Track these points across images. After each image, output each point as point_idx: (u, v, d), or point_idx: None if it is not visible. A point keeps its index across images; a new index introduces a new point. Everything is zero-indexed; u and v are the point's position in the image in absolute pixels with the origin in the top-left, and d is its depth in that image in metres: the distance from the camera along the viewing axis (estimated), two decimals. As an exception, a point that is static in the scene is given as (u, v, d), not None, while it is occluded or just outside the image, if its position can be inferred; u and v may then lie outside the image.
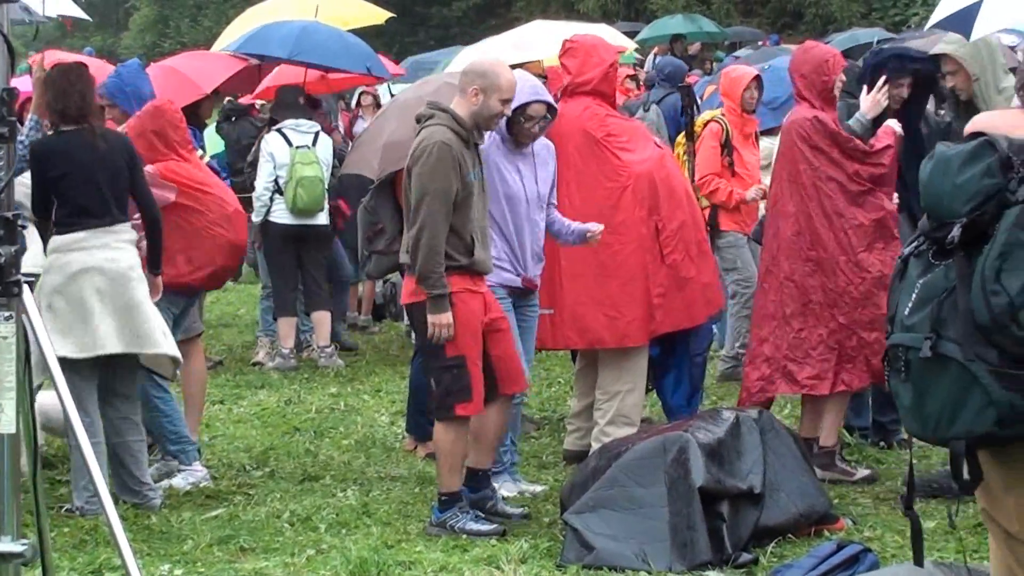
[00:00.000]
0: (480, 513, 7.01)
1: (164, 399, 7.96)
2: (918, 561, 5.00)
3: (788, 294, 7.69)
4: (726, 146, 10.42)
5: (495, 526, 6.94)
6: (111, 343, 7.22)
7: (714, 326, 10.90)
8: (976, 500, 4.61)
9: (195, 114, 10.74)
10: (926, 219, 4.43)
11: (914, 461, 8.02)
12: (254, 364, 11.82)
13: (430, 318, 6.74)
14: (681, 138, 10.87)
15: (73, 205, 7.24)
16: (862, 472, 7.87)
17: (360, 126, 14.23)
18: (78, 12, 20.38)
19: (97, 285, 7.20)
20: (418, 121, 6.96)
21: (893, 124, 7.77)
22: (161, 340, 7.34)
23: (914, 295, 4.32)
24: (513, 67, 7.47)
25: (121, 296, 7.24)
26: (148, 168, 7.90)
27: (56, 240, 7.29)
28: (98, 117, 7.53)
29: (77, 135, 7.31)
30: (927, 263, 4.35)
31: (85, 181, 7.24)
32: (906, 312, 4.33)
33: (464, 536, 6.83)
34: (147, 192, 7.60)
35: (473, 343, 6.86)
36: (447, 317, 6.74)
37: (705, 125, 10.52)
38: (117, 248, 7.31)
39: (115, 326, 7.22)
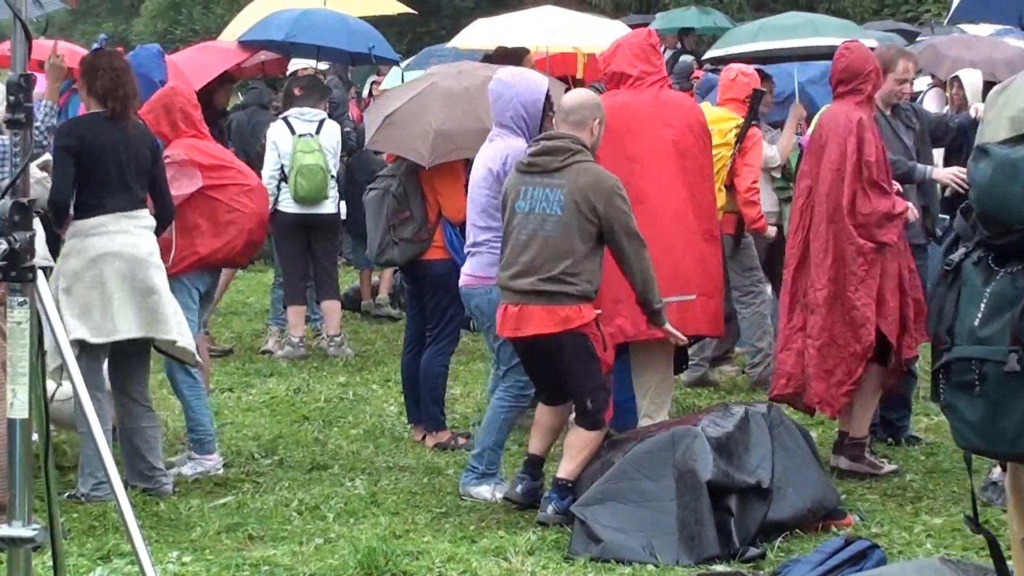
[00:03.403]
0: None
1: (190, 384, 8.00)
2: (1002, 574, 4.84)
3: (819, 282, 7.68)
4: None
5: None
6: (128, 328, 7.25)
7: None
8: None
9: (208, 103, 10.73)
10: (980, 225, 4.16)
11: (922, 458, 8.11)
12: (263, 352, 11.83)
13: (668, 328, 7.09)
14: (731, 138, 9.91)
15: (95, 186, 7.25)
16: (889, 466, 7.88)
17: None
18: None
19: (117, 270, 7.23)
20: (551, 153, 6.95)
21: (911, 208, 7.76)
22: (174, 327, 7.37)
23: (983, 305, 4.07)
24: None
25: (140, 281, 7.27)
26: (174, 154, 7.93)
27: (76, 225, 7.31)
28: (123, 103, 7.43)
29: (104, 117, 7.38)
30: (988, 269, 4.10)
31: (108, 163, 7.28)
32: (976, 323, 4.08)
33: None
34: (166, 190, 7.65)
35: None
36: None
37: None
38: (137, 234, 7.35)
39: (133, 311, 7.25)
